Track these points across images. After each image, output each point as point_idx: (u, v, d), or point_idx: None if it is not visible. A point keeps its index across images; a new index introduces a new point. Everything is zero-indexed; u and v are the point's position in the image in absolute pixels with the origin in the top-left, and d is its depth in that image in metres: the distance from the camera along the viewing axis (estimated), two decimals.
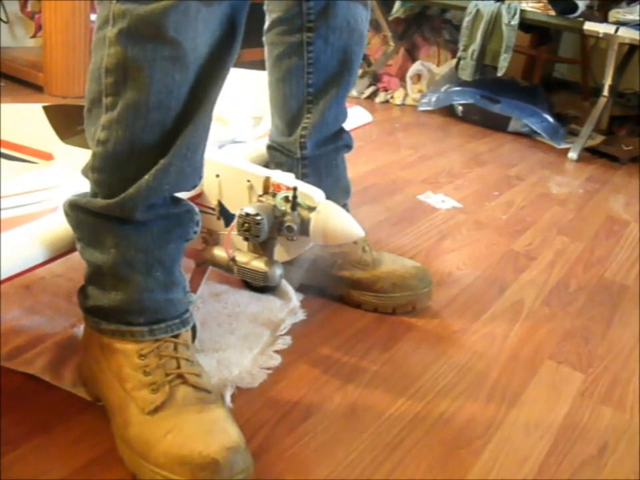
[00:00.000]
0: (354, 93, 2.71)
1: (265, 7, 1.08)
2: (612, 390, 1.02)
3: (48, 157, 1.13)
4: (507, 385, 0.99)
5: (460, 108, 2.60)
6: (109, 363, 0.79)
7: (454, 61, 2.67)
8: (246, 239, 0.88)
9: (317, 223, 0.86)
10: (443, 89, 2.62)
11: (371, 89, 2.78)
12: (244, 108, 1.34)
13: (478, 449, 0.86)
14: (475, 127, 2.53)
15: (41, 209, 0.89)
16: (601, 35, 2.25)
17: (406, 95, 2.77)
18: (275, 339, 1.01)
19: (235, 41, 0.74)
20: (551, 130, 2.44)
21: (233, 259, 0.90)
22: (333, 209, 0.87)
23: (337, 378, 0.96)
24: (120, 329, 0.79)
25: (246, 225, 0.85)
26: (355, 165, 1.74)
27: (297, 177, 0.99)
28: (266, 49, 1.10)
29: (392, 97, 2.77)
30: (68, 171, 1.00)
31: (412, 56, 2.92)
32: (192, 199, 0.88)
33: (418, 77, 2.79)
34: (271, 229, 0.87)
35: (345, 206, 1.13)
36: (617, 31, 2.19)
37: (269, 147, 1.14)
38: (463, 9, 2.45)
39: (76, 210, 0.78)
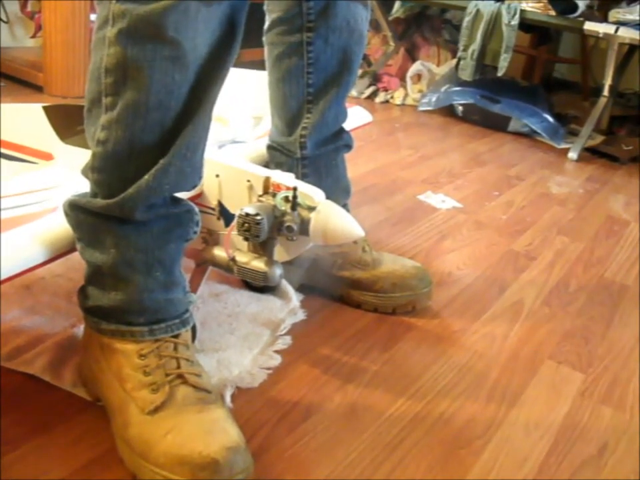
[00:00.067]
0: (354, 93, 2.71)
1: (264, 7, 1.08)
2: (612, 390, 1.02)
3: (48, 157, 1.13)
4: (507, 385, 0.99)
5: (460, 108, 2.60)
6: (109, 363, 0.79)
7: (454, 61, 2.67)
8: (246, 238, 0.88)
9: (317, 223, 0.86)
10: (443, 88, 2.62)
11: (371, 89, 2.78)
12: (244, 108, 1.34)
13: (478, 449, 0.86)
14: (475, 127, 2.53)
15: (41, 209, 0.89)
16: (601, 35, 2.25)
17: (406, 95, 2.77)
18: (275, 339, 1.01)
19: (234, 41, 0.74)
20: (551, 130, 2.44)
21: (233, 259, 0.90)
22: (333, 209, 0.87)
23: (337, 378, 0.96)
24: (120, 329, 0.79)
25: (246, 224, 0.85)
26: (355, 165, 1.75)
27: (297, 177, 0.99)
28: (266, 48, 1.10)
29: (392, 97, 2.77)
30: (68, 171, 1.00)
31: (412, 56, 2.92)
32: (192, 199, 0.88)
33: (418, 77, 2.79)
34: (271, 228, 0.87)
35: (345, 206, 1.13)
36: (617, 31, 2.19)
37: (269, 147, 1.14)
38: (463, 8, 2.45)
39: (76, 210, 0.78)
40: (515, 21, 2.34)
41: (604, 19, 2.29)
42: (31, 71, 2.23)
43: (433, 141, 2.31)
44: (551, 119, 2.47)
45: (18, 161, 1.15)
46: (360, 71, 2.24)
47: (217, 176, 0.94)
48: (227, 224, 0.95)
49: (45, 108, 1.15)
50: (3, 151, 1.16)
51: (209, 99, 0.75)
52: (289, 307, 1.09)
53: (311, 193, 0.87)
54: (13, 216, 0.87)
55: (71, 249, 0.81)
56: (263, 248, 0.90)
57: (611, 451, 0.89)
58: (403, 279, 1.12)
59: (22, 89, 2.23)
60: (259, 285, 1.05)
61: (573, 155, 2.29)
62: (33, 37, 2.43)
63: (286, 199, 0.86)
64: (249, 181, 0.91)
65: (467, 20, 2.43)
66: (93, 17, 2.13)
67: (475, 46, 2.41)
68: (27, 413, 0.81)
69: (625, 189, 2.06)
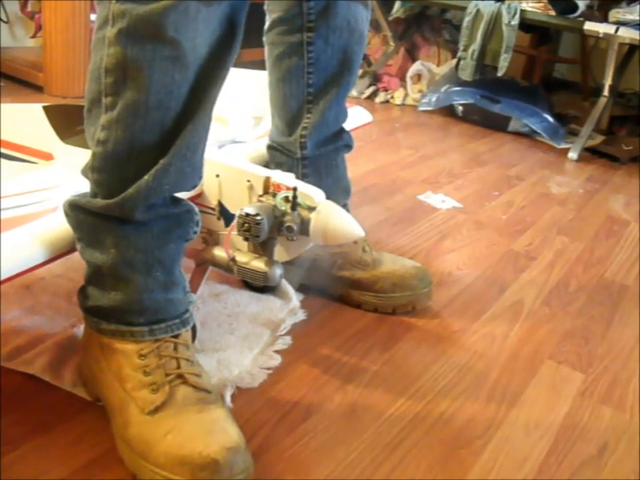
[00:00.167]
0: (354, 93, 2.71)
1: (265, 7, 1.08)
2: (612, 390, 1.02)
3: (48, 157, 1.13)
4: (507, 385, 0.99)
5: (460, 108, 2.60)
6: (109, 363, 0.79)
7: (454, 61, 2.68)
8: (246, 238, 0.88)
9: (317, 223, 0.86)
10: (443, 88, 2.62)
11: (371, 89, 2.78)
12: (244, 108, 1.34)
13: (478, 449, 0.86)
14: (475, 127, 2.53)
15: (41, 209, 0.89)
16: (601, 35, 2.25)
17: (406, 95, 2.77)
18: (275, 339, 1.01)
19: (234, 41, 0.74)
20: (551, 130, 2.44)
21: (233, 259, 0.90)
22: (333, 209, 0.87)
23: (337, 378, 0.96)
24: (120, 329, 0.79)
25: (246, 225, 0.85)
26: (355, 165, 1.74)
27: (297, 177, 0.99)
28: (266, 48, 1.10)
29: (392, 97, 2.77)
30: (68, 171, 1.00)
31: (412, 56, 2.92)
32: (192, 199, 0.88)
33: (418, 77, 2.79)
34: (271, 228, 0.87)
35: (345, 206, 1.13)
36: (617, 31, 2.19)
37: (269, 147, 1.14)
38: (463, 8, 2.45)
39: (76, 210, 0.78)
40: (515, 21, 2.34)
41: (604, 19, 2.29)
42: (31, 71, 2.23)
43: (432, 141, 2.31)
44: (550, 119, 2.47)
45: (18, 161, 1.15)
46: (360, 71, 2.24)
47: (217, 176, 0.94)
48: (227, 224, 0.95)
49: (45, 108, 1.15)
50: (3, 151, 1.16)
51: (209, 98, 0.75)
52: (289, 307, 1.09)
53: (311, 193, 0.87)
54: (12, 216, 0.87)
55: (71, 249, 0.81)
56: (263, 248, 0.90)
57: (610, 451, 0.89)
58: (403, 279, 1.12)
59: (22, 89, 2.23)
60: (259, 285, 1.05)
61: (573, 155, 2.29)
62: (33, 36, 2.43)
63: (286, 199, 0.86)
64: (249, 180, 0.91)
65: (467, 20, 2.43)
66: (93, 17, 2.13)
67: (475, 46, 2.41)
68: (27, 413, 0.81)
69: (625, 188, 2.06)
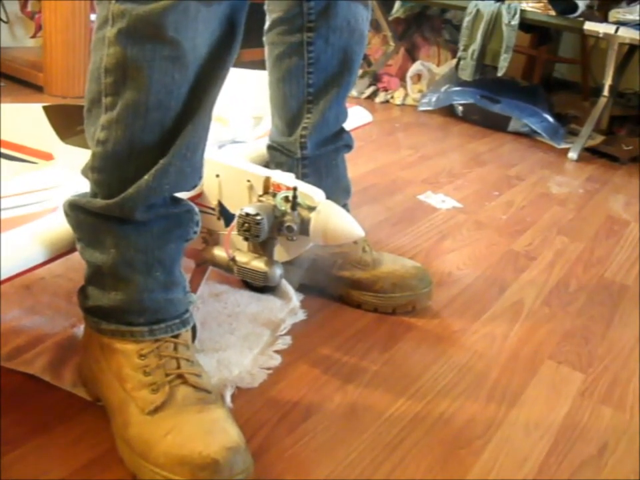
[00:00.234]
0: (354, 92, 2.71)
1: (265, 7, 1.08)
2: (612, 390, 1.02)
3: (48, 157, 1.13)
4: (507, 385, 0.99)
5: (460, 108, 2.60)
6: (109, 363, 0.79)
7: (454, 61, 2.68)
8: (246, 238, 0.88)
9: (317, 223, 0.86)
10: (443, 89, 2.62)
11: (371, 89, 2.78)
12: (244, 108, 1.34)
13: (478, 448, 0.86)
14: (474, 127, 2.53)
15: (41, 209, 0.89)
16: (601, 35, 2.25)
17: (406, 95, 2.77)
18: (275, 339, 1.01)
19: (234, 41, 0.74)
20: (551, 130, 2.44)
21: (233, 259, 0.90)
22: (333, 209, 0.87)
23: (337, 378, 0.96)
24: (120, 329, 0.79)
25: (246, 225, 0.85)
26: (355, 165, 1.74)
27: (297, 177, 0.99)
28: (266, 48, 1.10)
29: (392, 97, 2.77)
30: (68, 171, 1.00)
31: (412, 56, 2.92)
32: (192, 199, 0.88)
33: (418, 77, 2.79)
34: (271, 228, 0.87)
35: (345, 206, 1.13)
36: (617, 31, 2.19)
37: (269, 147, 1.14)
38: (463, 8, 2.45)
39: (76, 210, 0.78)
40: (515, 21, 2.34)
41: (604, 19, 2.29)
42: (31, 71, 2.23)
43: (432, 141, 2.31)
44: (551, 119, 2.47)
45: (18, 161, 1.15)
46: (360, 71, 2.24)
47: (217, 176, 0.94)
48: (227, 224, 0.95)
49: (45, 108, 1.15)
50: (3, 150, 1.16)
51: (208, 98, 0.75)
52: (289, 307, 1.09)
53: (311, 193, 0.87)
54: (12, 216, 0.87)
55: (71, 249, 0.81)
56: (263, 248, 0.90)
57: (611, 451, 0.89)
58: (403, 279, 1.12)
59: (22, 89, 2.23)
60: (259, 285, 1.05)
61: (572, 155, 2.29)
62: (33, 36, 2.43)
63: (286, 199, 0.86)
64: (249, 180, 0.91)
65: (467, 20, 2.43)
66: (93, 17, 2.13)
67: (475, 46, 2.41)
68: (27, 413, 0.81)
69: (625, 189, 2.06)
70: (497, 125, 2.51)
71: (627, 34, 2.19)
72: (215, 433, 0.72)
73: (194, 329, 0.85)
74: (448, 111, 2.63)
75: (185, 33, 0.69)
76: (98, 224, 0.77)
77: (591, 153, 2.36)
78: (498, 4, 2.37)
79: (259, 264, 0.88)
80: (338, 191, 1.12)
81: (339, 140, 1.13)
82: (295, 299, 1.11)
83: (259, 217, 0.85)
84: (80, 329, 0.90)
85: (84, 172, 0.78)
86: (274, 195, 0.88)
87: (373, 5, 2.61)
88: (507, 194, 1.84)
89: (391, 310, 1.12)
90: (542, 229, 1.61)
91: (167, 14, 0.67)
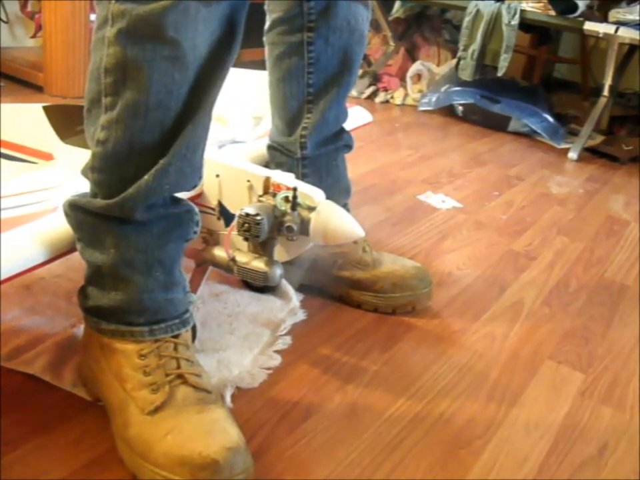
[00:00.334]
0: (354, 92, 2.71)
1: (265, 7, 1.08)
2: (612, 390, 1.02)
3: (48, 157, 1.13)
4: (507, 385, 0.99)
5: (460, 108, 2.60)
6: (109, 363, 0.79)
7: (454, 61, 2.68)
8: (246, 238, 0.88)
9: (317, 223, 0.86)
10: (443, 89, 2.62)
11: (371, 88, 2.78)
12: (244, 108, 1.34)
13: (478, 448, 0.86)
14: (474, 127, 2.53)
15: (41, 209, 0.89)
16: (601, 35, 2.25)
17: (406, 95, 2.77)
18: (275, 339, 1.01)
19: (234, 41, 0.74)
20: (551, 130, 2.44)
21: (233, 259, 0.90)
22: (333, 209, 0.87)
23: (337, 378, 0.96)
24: (120, 329, 0.79)
25: (246, 225, 0.85)
26: (355, 165, 1.74)
27: (297, 177, 0.99)
28: (266, 48, 1.10)
29: (392, 97, 2.77)
30: (68, 171, 1.00)
31: (412, 56, 2.92)
32: (192, 199, 0.88)
33: (418, 77, 2.79)
34: (271, 228, 0.87)
35: (345, 206, 1.13)
36: (617, 31, 2.19)
37: (269, 147, 1.14)
38: (463, 8, 2.45)
39: (76, 210, 0.78)
40: (515, 21, 2.34)
41: (604, 19, 2.29)
42: (31, 71, 2.23)
43: (433, 141, 2.31)
44: (551, 119, 2.47)
45: (18, 161, 1.15)
46: (360, 71, 2.24)
47: (217, 176, 0.94)
48: (227, 224, 0.95)
49: (45, 108, 1.15)
50: (3, 150, 1.16)
51: (208, 98, 0.75)
52: (288, 307, 1.09)
53: (311, 193, 0.87)
54: (12, 216, 0.87)
55: (71, 249, 0.81)
56: (263, 248, 0.90)
57: (611, 451, 0.89)
58: (403, 279, 1.12)
59: (22, 89, 2.23)
60: (259, 285, 1.05)
61: (573, 155, 2.29)
62: (33, 36, 2.43)
63: (286, 199, 0.86)
64: (249, 181, 0.91)
65: (467, 20, 2.43)
66: (92, 17, 2.13)
67: (475, 46, 2.41)
68: (27, 413, 0.81)
69: (625, 189, 2.06)
70: (497, 124, 2.51)
71: (627, 34, 2.19)
72: (214, 433, 0.72)
73: (194, 329, 0.85)
74: (448, 111, 2.63)
75: (185, 33, 0.69)
76: (98, 224, 0.77)
77: (591, 153, 2.36)
78: (498, 4, 2.37)
79: (259, 264, 0.88)
80: (338, 191, 1.12)
81: (339, 140, 1.13)
82: (295, 299, 1.11)
83: (259, 217, 0.85)
84: (80, 329, 0.90)
85: (84, 172, 0.78)
86: (274, 195, 0.88)
87: (373, 4, 2.61)
88: (507, 194, 1.84)
89: (391, 310, 1.12)
90: (542, 229, 1.61)
91: (166, 14, 0.67)
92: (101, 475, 0.74)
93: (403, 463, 0.82)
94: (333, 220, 0.86)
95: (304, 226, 0.87)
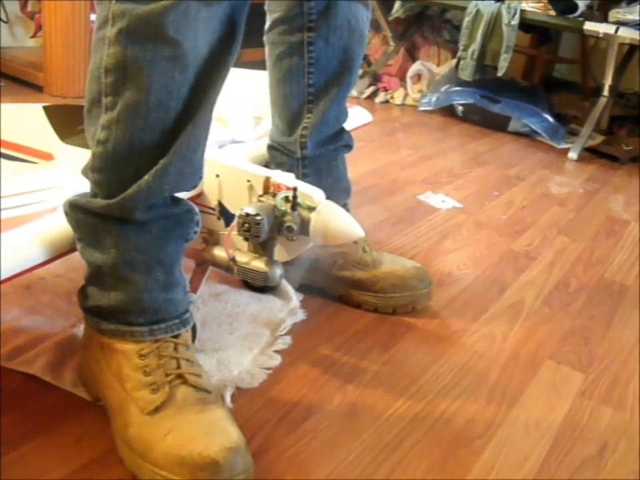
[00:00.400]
0: (354, 92, 2.71)
1: (265, 7, 1.08)
2: (612, 390, 1.02)
3: (48, 156, 1.13)
4: (507, 385, 0.99)
5: (460, 108, 2.60)
6: (109, 363, 0.79)
7: (454, 61, 2.68)
8: (246, 238, 0.88)
9: (317, 223, 0.86)
10: (443, 88, 2.62)
11: (371, 88, 2.78)
12: (244, 108, 1.34)
13: (478, 448, 0.86)
14: (474, 127, 2.53)
15: (41, 209, 0.89)
16: (601, 35, 2.25)
17: (406, 95, 2.77)
18: (275, 338, 1.01)
19: (234, 41, 0.74)
20: (551, 130, 2.44)
21: (233, 259, 0.90)
22: (333, 209, 0.87)
23: (337, 378, 0.96)
24: (120, 329, 0.79)
25: (246, 225, 0.85)
26: (355, 165, 1.74)
27: (297, 177, 0.99)
28: (267, 48, 1.10)
29: (392, 97, 2.77)
30: (68, 171, 1.00)
31: (412, 56, 2.92)
32: (192, 199, 0.88)
33: (418, 77, 2.79)
34: (271, 229, 0.87)
35: (345, 206, 1.13)
36: (617, 31, 2.19)
37: (270, 147, 1.14)
38: (463, 8, 2.45)
39: (76, 210, 0.78)
40: (515, 21, 2.34)
41: (604, 19, 2.29)
42: (31, 71, 2.23)
43: (433, 141, 2.31)
44: (550, 119, 2.47)
45: (18, 161, 1.15)
46: (360, 71, 2.24)
47: (217, 176, 0.94)
48: (227, 224, 0.95)
49: (45, 108, 1.15)
50: (3, 150, 1.16)
51: (209, 98, 0.75)
52: (288, 307, 1.09)
53: (311, 192, 0.87)
54: (12, 216, 0.87)
55: (71, 249, 0.81)
56: (263, 248, 0.90)
57: (611, 451, 0.89)
58: (403, 279, 1.12)
59: (22, 89, 2.23)
60: (259, 285, 1.05)
61: (573, 155, 2.29)
62: (33, 36, 2.43)
63: (286, 198, 0.86)
64: (249, 180, 0.91)
65: (467, 20, 2.43)
66: (93, 17, 2.13)
67: (475, 46, 2.41)
68: (27, 413, 0.81)
69: (625, 189, 2.06)
70: (497, 124, 2.52)
71: (627, 34, 2.19)
72: (214, 433, 0.72)
73: (194, 329, 0.85)
74: (448, 111, 2.64)
75: (185, 33, 0.69)
76: (98, 224, 0.77)
77: (591, 153, 2.36)
78: (498, 4, 2.37)
79: (259, 264, 0.88)
80: (338, 191, 1.12)
81: (339, 140, 1.13)
82: (295, 298, 1.11)
83: (258, 217, 0.85)
84: (80, 329, 0.90)
85: (84, 172, 0.78)
86: (274, 195, 0.88)
87: (373, 4, 2.61)
88: (507, 194, 1.84)
89: (390, 310, 1.12)
90: (542, 229, 1.61)
91: (167, 14, 0.67)
92: (101, 475, 0.74)
93: (402, 463, 0.82)
94: (333, 220, 0.86)
95: (304, 226, 0.87)
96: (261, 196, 0.90)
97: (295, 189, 0.85)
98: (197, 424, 0.73)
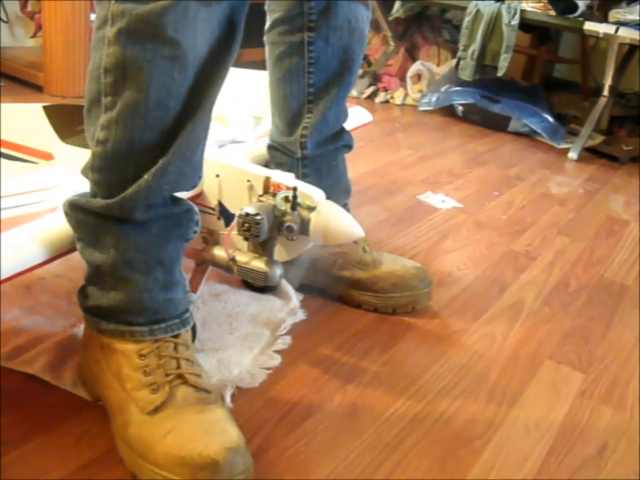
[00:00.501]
0: (354, 92, 2.71)
1: (265, 7, 1.08)
2: (612, 390, 1.02)
3: (48, 156, 1.13)
4: (507, 385, 0.99)
5: (460, 108, 2.60)
6: (109, 363, 0.79)
7: (454, 61, 2.68)
8: (246, 238, 0.88)
9: (317, 223, 0.86)
10: (443, 89, 2.62)
11: (371, 88, 2.79)
12: (244, 108, 1.34)
13: (478, 448, 0.85)
14: (474, 127, 2.53)
15: (40, 209, 0.89)
16: (601, 35, 2.25)
17: (406, 95, 2.77)
18: (275, 339, 1.01)
19: (234, 41, 0.74)
20: (551, 130, 2.44)
21: (233, 259, 0.90)
22: (333, 209, 0.87)
23: (337, 378, 0.96)
24: (120, 328, 0.79)
25: (246, 224, 0.85)
26: (355, 165, 1.74)
27: (297, 177, 0.99)
28: (267, 48, 1.10)
29: (392, 97, 2.77)
30: (68, 171, 1.00)
31: (412, 56, 2.92)
32: (192, 198, 0.88)
33: (418, 77, 2.79)
34: (270, 229, 0.87)
35: (345, 206, 1.13)
36: (617, 31, 2.19)
37: (270, 147, 1.14)
38: (463, 8, 2.45)
39: (76, 210, 0.78)
40: (515, 21, 2.34)
41: (604, 19, 2.30)
42: (31, 71, 2.23)
43: (433, 141, 2.31)
44: (551, 119, 2.47)
45: (18, 161, 1.15)
46: (360, 71, 2.24)
47: (217, 176, 0.94)
48: (227, 224, 0.95)
49: (45, 108, 1.15)
50: (3, 150, 1.16)
51: (208, 98, 0.75)
52: (288, 307, 1.09)
53: (311, 192, 0.87)
54: (12, 216, 0.87)
55: (71, 249, 0.81)
56: (263, 248, 0.90)
57: (611, 451, 0.89)
58: (403, 279, 1.12)
59: (22, 89, 2.23)
60: (259, 285, 1.05)
61: (573, 155, 2.29)
62: (33, 36, 2.43)
63: (286, 198, 0.86)
64: (249, 180, 0.91)
65: (467, 20, 2.43)
66: (92, 16, 2.13)
67: (475, 46, 2.41)
68: (27, 413, 0.81)
69: (625, 189, 2.06)
70: (497, 124, 2.52)
71: (627, 34, 2.19)
72: (214, 433, 0.72)
73: (194, 329, 0.85)
74: (448, 111, 2.64)
75: (185, 33, 0.69)
76: (98, 224, 0.77)
77: (591, 153, 2.36)
78: (498, 4, 2.37)
79: (259, 264, 0.88)
80: (338, 191, 1.12)
81: (339, 140, 1.13)
82: (295, 298, 1.11)
83: (259, 217, 0.84)
84: (80, 329, 0.90)
85: (84, 172, 0.78)
86: (274, 195, 0.88)
87: (373, 5, 2.61)
88: (507, 194, 1.84)
89: (390, 310, 1.12)
90: (542, 229, 1.61)
91: (166, 14, 0.67)
92: (101, 475, 0.74)
93: (402, 462, 0.82)
94: (333, 220, 0.86)
95: (304, 226, 0.87)
96: (260, 196, 0.90)
97: (294, 189, 0.85)
98: (197, 424, 0.73)
